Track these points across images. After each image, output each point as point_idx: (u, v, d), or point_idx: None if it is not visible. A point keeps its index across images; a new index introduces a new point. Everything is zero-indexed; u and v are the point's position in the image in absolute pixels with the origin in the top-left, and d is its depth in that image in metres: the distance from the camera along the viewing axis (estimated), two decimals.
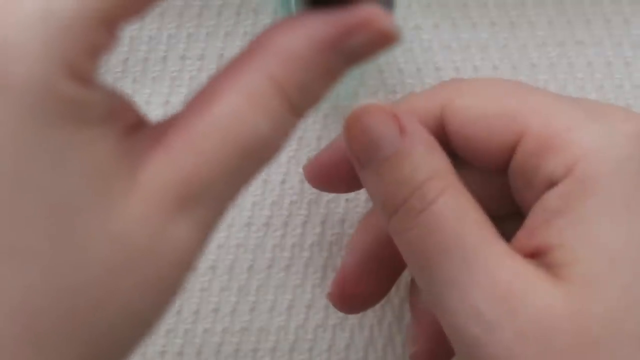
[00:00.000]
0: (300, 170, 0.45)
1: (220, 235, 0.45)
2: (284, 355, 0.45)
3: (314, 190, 0.43)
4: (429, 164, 0.33)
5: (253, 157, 0.28)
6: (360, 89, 0.45)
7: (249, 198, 0.45)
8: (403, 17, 0.45)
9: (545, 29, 0.45)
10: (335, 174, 0.38)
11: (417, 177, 0.33)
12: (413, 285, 0.40)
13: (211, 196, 0.27)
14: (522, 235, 0.33)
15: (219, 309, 0.45)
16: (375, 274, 0.37)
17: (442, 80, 0.41)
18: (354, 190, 0.40)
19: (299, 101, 0.28)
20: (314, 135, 0.45)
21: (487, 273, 0.31)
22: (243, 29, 0.45)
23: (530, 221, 0.33)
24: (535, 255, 0.32)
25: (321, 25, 0.28)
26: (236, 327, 0.45)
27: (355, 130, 0.34)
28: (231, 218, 0.45)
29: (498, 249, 0.32)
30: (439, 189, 0.33)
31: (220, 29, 0.45)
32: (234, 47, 0.45)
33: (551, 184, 0.33)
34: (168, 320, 0.45)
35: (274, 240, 0.45)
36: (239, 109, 0.27)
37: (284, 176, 0.45)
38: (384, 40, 0.28)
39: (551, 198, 0.32)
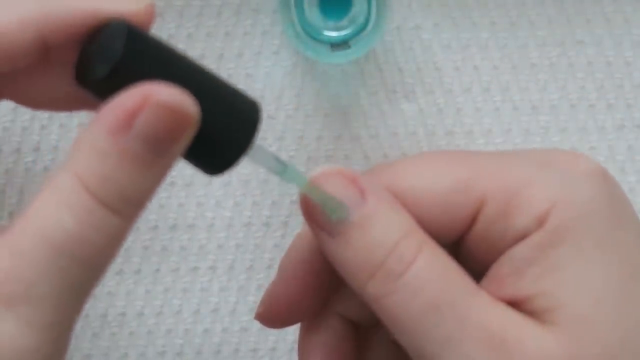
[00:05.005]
0: (300, 170, 0.45)
1: (220, 235, 0.45)
2: (284, 355, 0.45)
3: None
4: (398, 223, 0.32)
5: (68, 254, 0.28)
6: (361, 89, 0.45)
7: (249, 198, 0.45)
8: (403, 17, 0.45)
9: (546, 28, 0.45)
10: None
11: (390, 237, 0.32)
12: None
13: (38, 296, 0.28)
14: (488, 286, 0.33)
15: (219, 309, 0.45)
16: (310, 293, 0.36)
17: (382, 162, 0.42)
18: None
19: (104, 193, 0.28)
20: (313, 135, 0.45)
21: (480, 325, 0.31)
22: (243, 29, 0.45)
23: (497, 272, 0.33)
24: (512, 304, 0.32)
25: (108, 111, 0.28)
26: (236, 327, 0.45)
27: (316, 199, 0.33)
28: (230, 218, 0.45)
29: (485, 299, 0.32)
30: (415, 247, 0.32)
31: (220, 29, 0.45)
32: (234, 47, 0.45)
33: (521, 238, 0.32)
34: (168, 321, 0.45)
35: (274, 240, 0.45)
36: (48, 207, 0.28)
37: None
38: (173, 115, 0.28)
39: (522, 249, 0.32)
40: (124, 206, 0.29)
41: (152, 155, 0.29)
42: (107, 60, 0.29)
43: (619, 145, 0.45)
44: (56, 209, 0.28)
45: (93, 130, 0.28)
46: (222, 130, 0.30)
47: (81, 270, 0.28)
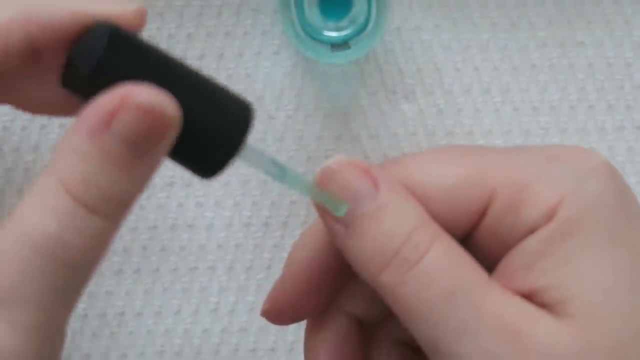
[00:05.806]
0: (300, 170, 0.45)
1: (220, 236, 0.45)
2: (283, 355, 0.45)
3: None
4: (411, 213, 0.33)
5: (50, 257, 0.28)
6: (361, 90, 0.45)
7: (248, 198, 0.45)
8: (403, 17, 0.45)
9: (546, 29, 0.45)
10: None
11: (403, 228, 0.32)
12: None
13: (21, 298, 0.28)
14: (498, 280, 0.33)
15: (218, 309, 0.45)
16: (317, 290, 0.36)
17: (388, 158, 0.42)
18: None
19: (85, 195, 0.28)
20: (314, 135, 0.45)
21: (494, 316, 0.31)
22: (243, 29, 0.45)
23: (507, 266, 0.33)
24: (523, 297, 0.32)
25: (87, 113, 0.29)
26: (235, 328, 0.45)
27: (330, 189, 0.33)
28: (230, 218, 0.45)
29: (498, 291, 0.32)
30: (428, 237, 0.32)
31: (220, 29, 0.45)
32: (234, 47, 0.45)
33: (530, 232, 0.32)
34: (167, 320, 0.45)
35: (273, 241, 0.45)
36: (31, 210, 0.29)
37: None
38: (151, 116, 0.28)
39: (531, 243, 0.32)
40: (106, 208, 0.29)
41: (132, 156, 0.29)
42: (88, 61, 0.29)
43: (619, 146, 0.45)
44: (39, 212, 0.28)
45: (73, 132, 0.29)
46: (210, 131, 0.30)
47: (65, 273, 0.29)
